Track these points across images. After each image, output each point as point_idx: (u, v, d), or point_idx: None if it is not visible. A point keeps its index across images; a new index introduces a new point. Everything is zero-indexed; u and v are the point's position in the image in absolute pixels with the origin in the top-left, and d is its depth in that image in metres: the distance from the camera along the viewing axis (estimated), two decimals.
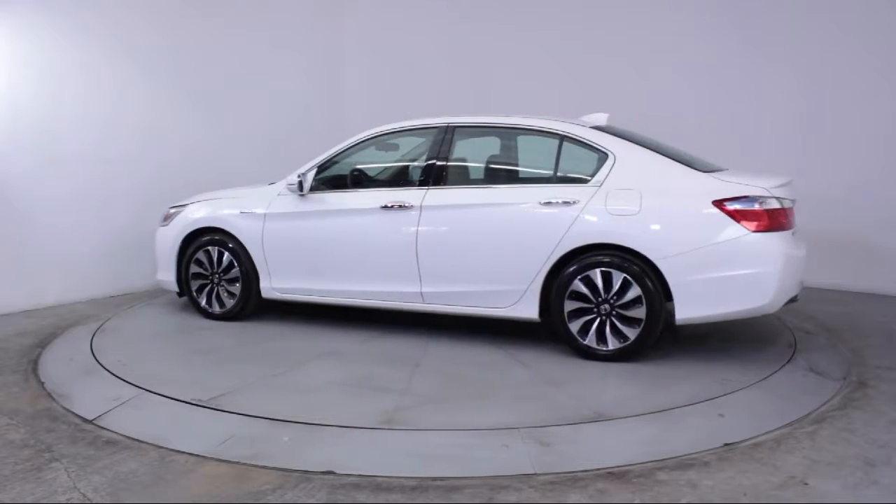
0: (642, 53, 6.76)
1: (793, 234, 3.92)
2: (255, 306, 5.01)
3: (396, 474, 2.65)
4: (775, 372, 3.77)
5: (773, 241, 3.75)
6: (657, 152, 4.13)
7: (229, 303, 5.01)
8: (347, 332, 4.65)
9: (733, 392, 3.45)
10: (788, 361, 3.95)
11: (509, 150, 4.61)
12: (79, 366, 4.01)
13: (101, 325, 4.86)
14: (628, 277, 3.87)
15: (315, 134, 6.95)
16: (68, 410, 3.35)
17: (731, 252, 3.74)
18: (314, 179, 4.70)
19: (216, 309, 5.05)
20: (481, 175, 4.53)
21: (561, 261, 4.02)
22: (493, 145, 4.66)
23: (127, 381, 3.65)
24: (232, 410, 3.24)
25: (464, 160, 4.58)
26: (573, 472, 2.66)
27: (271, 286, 4.87)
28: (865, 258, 5.84)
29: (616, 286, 3.89)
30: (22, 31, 5.32)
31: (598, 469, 2.67)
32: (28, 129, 5.37)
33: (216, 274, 5.03)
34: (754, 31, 6.24)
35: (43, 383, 3.76)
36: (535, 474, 2.64)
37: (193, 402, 3.35)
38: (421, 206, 4.34)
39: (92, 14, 5.71)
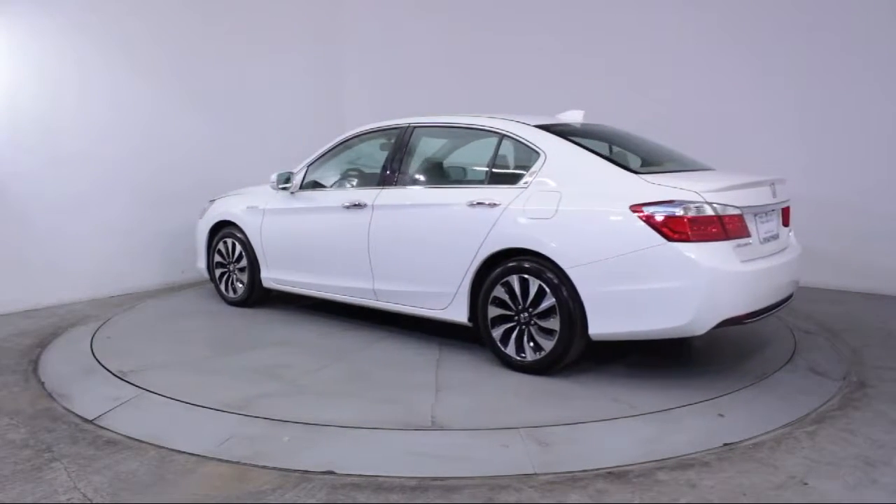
0: (643, 56, 6.75)
1: (739, 244, 3.43)
2: (259, 294, 5.36)
3: (396, 474, 2.65)
4: (775, 372, 3.77)
5: (696, 253, 3.28)
6: (596, 151, 3.79)
7: (240, 290, 5.43)
8: (325, 326, 4.87)
9: (733, 392, 3.45)
10: (788, 361, 3.95)
11: (455, 150, 4.60)
12: (79, 366, 4.01)
13: (102, 324, 4.87)
14: (543, 286, 3.62)
15: (315, 134, 6.93)
16: (68, 410, 3.36)
17: (646, 263, 3.35)
18: (305, 178, 4.97)
19: (230, 295, 5.52)
20: (427, 175, 4.54)
21: (488, 264, 3.88)
22: (443, 145, 4.67)
23: (127, 381, 3.66)
24: (142, 386, 3.60)
25: (416, 160, 4.59)
26: (573, 472, 2.66)
27: (268, 276, 5.22)
28: (866, 258, 5.83)
29: (532, 294, 3.67)
30: (22, 32, 5.32)
31: (598, 469, 2.67)
32: (28, 129, 5.38)
33: (231, 263, 5.47)
34: (755, 34, 6.24)
35: (43, 383, 3.76)
36: (535, 474, 2.64)
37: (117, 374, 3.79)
38: (373, 206, 4.44)
39: (92, 14, 5.71)
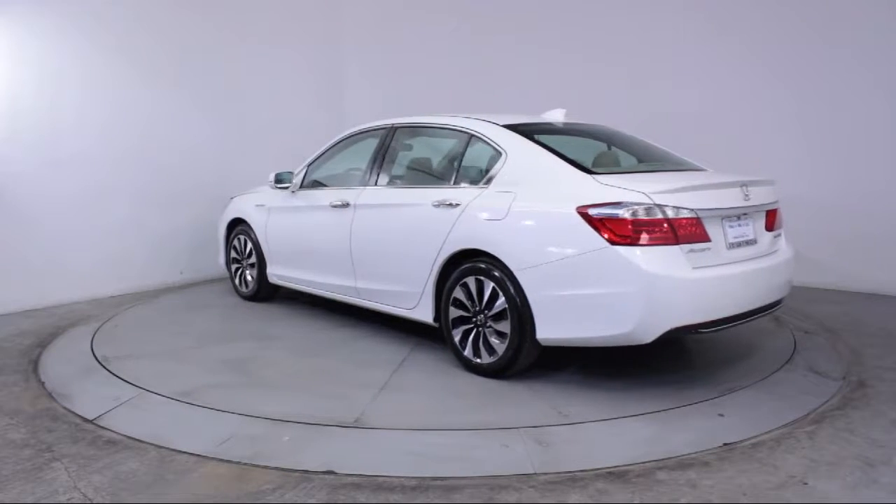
0: (643, 60, 6.75)
1: (693, 249, 3.26)
2: (268, 290, 5.55)
3: (396, 474, 2.65)
4: (775, 372, 3.77)
5: (638, 258, 3.13)
6: (556, 151, 3.70)
7: (251, 285, 5.63)
8: (323, 321, 5.01)
9: (733, 392, 3.45)
10: (788, 361, 3.95)
11: (429, 150, 4.61)
12: (79, 366, 4.01)
13: (102, 324, 4.87)
14: (496, 288, 3.58)
15: (315, 134, 6.95)
16: (69, 410, 3.36)
17: (590, 267, 3.24)
18: (305, 177, 5.07)
19: (243, 290, 5.74)
20: (401, 175, 4.58)
21: (450, 265, 3.86)
22: (419, 146, 4.70)
23: (127, 381, 3.66)
24: (114, 371, 3.81)
25: (394, 160, 4.62)
26: (573, 472, 2.66)
27: (272, 272, 5.37)
28: (865, 258, 5.83)
29: (486, 296, 3.63)
30: (22, 32, 5.32)
31: (598, 469, 2.67)
32: (28, 129, 5.38)
33: (244, 259, 5.67)
34: (756, 36, 6.24)
35: (43, 383, 3.76)
36: (535, 474, 2.65)
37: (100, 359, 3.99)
38: (355, 206, 4.51)
39: (92, 15, 5.72)
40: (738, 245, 3.53)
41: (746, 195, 3.58)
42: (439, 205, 3.91)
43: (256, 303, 5.59)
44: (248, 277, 5.64)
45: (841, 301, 5.57)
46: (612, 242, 3.18)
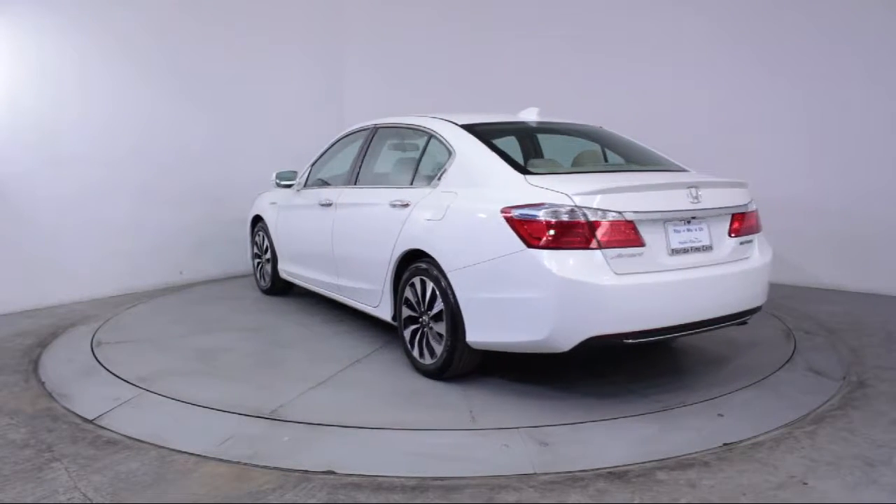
0: (644, 60, 6.75)
1: (620, 254, 3.08)
2: (282, 284, 5.67)
3: (396, 474, 2.65)
4: (775, 372, 3.77)
5: (552, 262, 3.02)
6: (495, 149, 3.63)
7: (267, 279, 5.80)
8: (324, 316, 5.12)
9: (733, 392, 3.45)
10: (788, 361, 3.95)
11: (397, 151, 4.64)
12: (79, 366, 4.01)
13: (102, 324, 4.87)
14: (434, 289, 3.55)
15: (315, 133, 6.95)
16: (69, 410, 3.36)
17: (509, 270, 3.16)
18: (308, 176, 5.19)
19: (261, 284, 5.94)
20: (374, 175, 4.62)
21: (404, 263, 3.83)
22: (392, 146, 4.73)
23: (127, 381, 3.66)
24: (97, 355, 4.04)
25: (371, 160, 4.67)
26: (573, 472, 2.66)
27: (281, 268, 5.52)
28: (865, 258, 5.83)
29: (428, 297, 3.61)
30: (22, 32, 5.32)
31: (597, 469, 2.67)
32: (28, 129, 5.38)
33: (263, 254, 5.84)
34: (756, 37, 6.24)
35: (43, 383, 3.76)
36: (535, 474, 2.65)
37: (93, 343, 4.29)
38: (336, 205, 4.59)
39: (92, 14, 5.71)
40: (685, 251, 3.30)
41: (695, 198, 3.34)
42: (394, 205, 3.93)
43: (273, 296, 5.80)
44: (266, 272, 5.82)
45: (841, 301, 5.57)
46: (530, 245, 3.07)
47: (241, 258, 6.72)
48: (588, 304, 3.03)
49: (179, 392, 3.48)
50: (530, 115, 4.36)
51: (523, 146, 4.46)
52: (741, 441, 2.91)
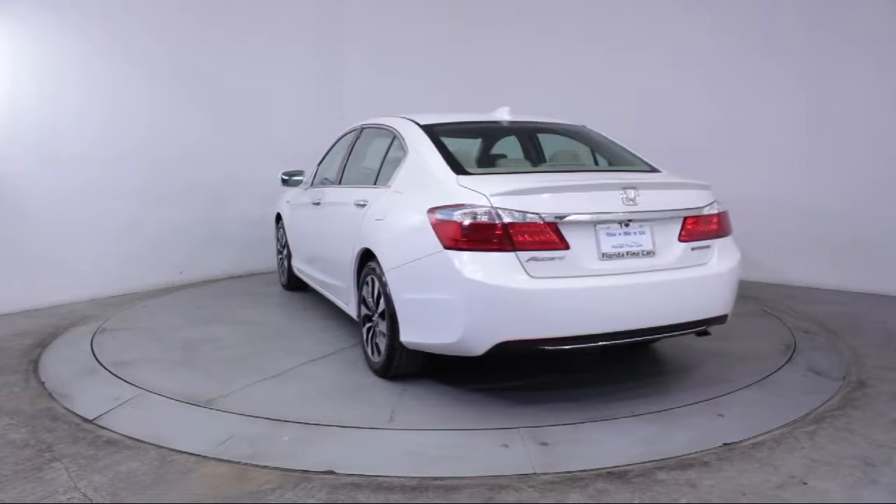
0: (644, 61, 6.75)
1: (537, 257, 2.98)
2: (296, 280, 5.73)
3: (396, 474, 2.65)
4: (775, 372, 3.77)
5: (464, 263, 2.97)
6: (445, 150, 3.59)
7: (285, 276, 5.96)
8: (324, 312, 5.20)
9: (733, 392, 3.45)
10: (788, 361, 3.95)
11: (370, 151, 4.67)
12: (79, 366, 4.01)
13: (102, 324, 4.87)
14: (380, 288, 3.53)
15: (315, 133, 6.95)
16: (69, 410, 3.36)
17: (429, 271, 3.14)
18: (315, 175, 5.27)
19: (281, 280, 6.11)
20: (350, 175, 4.67)
21: (364, 262, 3.82)
22: (369, 146, 4.76)
23: (127, 381, 3.66)
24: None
25: (353, 160, 4.72)
26: (573, 471, 2.66)
27: (294, 264, 5.66)
28: (865, 258, 5.83)
29: (376, 296, 3.62)
30: (22, 32, 5.32)
31: (597, 469, 2.67)
32: (28, 129, 5.38)
33: (282, 251, 6.03)
34: (758, 37, 6.24)
35: (43, 383, 3.76)
36: (535, 474, 2.65)
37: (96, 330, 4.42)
38: (322, 203, 4.72)
39: (92, 14, 5.71)
40: (619, 256, 3.15)
41: (631, 199, 3.17)
42: (357, 204, 3.99)
43: (291, 292, 5.95)
44: (284, 268, 5.99)
45: (841, 301, 5.57)
46: (446, 247, 3.04)
47: (242, 258, 6.73)
48: (498, 307, 2.96)
49: (137, 377, 3.70)
50: (503, 115, 4.31)
51: (485, 145, 4.60)
52: (741, 441, 2.91)
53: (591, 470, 2.67)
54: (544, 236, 3.01)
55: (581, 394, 3.45)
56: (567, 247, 3.04)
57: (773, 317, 4.94)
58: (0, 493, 2.55)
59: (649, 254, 3.21)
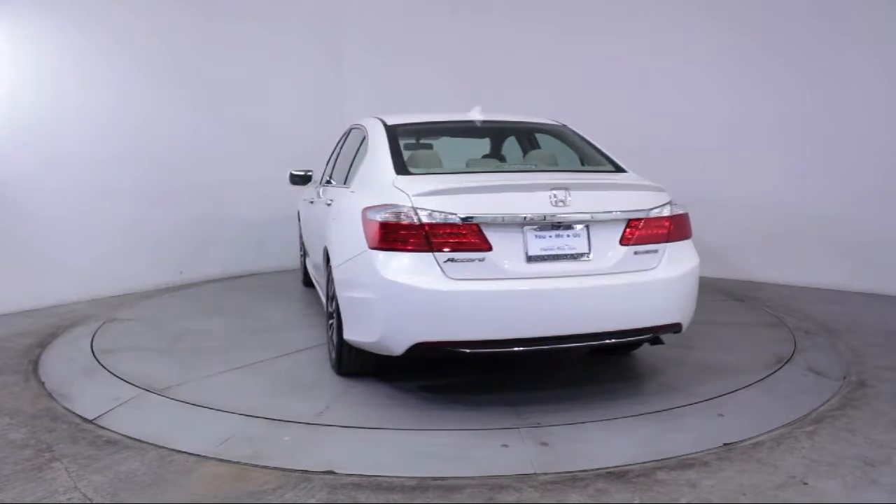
0: (645, 61, 6.75)
1: (456, 258, 2.95)
2: (309, 277, 5.70)
3: (396, 474, 2.65)
4: (775, 372, 3.77)
5: (382, 263, 2.99)
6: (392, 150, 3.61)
7: (301, 272, 6.10)
8: (316, 309, 5.24)
9: (733, 392, 3.45)
10: (788, 361, 3.95)
11: (351, 150, 4.68)
12: (79, 366, 4.01)
13: (102, 324, 4.87)
14: (332, 285, 3.57)
15: (316, 132, 6.95)
16: (69, 410, 3.35)
17: (357, 270, 3.18)
18: (324, 173, 5.22)
19: (302, 276, 6.14)
20: (338, 174, 4.68)
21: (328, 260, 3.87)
22: (355, 145, 4.73)
23: (127, 381, 3.66)
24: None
25: (342, 160, 4.75)
26: (573, 471, 2.66)
27: (306, 260, 5.73)
28: (865, 258, 5.83)
29: (330, 293, 3.65)
30: (22, 31, 5.32)
31: (597, 469, 2.67)
32: (28, 128, 5.38)
33: (302, 247, 6.11)
34: (758, 37, 6.24)
35: (43, 383, 3.76)
36: (535, 474, 2.65)
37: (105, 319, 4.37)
38: (314, 202, 4.83)
39: (92, 14, 5.71)
40: (549, 259, 3.07)
41: (561, 201, 3.07)
42: (327, 203, 4.14)
43: (309, 287, 5.97)
44: (301, 265, 6.17)
45: (841, 301, 5.57)
46: (370, 246, 3.07)
47: (242, 257, 6.73)
48: (414, 308, 2.94)
49: (112, 363, 3.89)
50: (475, 115, 4.25)
51: (452, 146, 4.64)
52: (741, 441, 2.91)
53: (592, 470, 2.67)
54: (463, 237, 2.98)
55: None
56: (489, 248, 3.00)
57: (773, 316, 4.94)
58: (0, 493, 2.55)
59: (582, 257, 3.13)
